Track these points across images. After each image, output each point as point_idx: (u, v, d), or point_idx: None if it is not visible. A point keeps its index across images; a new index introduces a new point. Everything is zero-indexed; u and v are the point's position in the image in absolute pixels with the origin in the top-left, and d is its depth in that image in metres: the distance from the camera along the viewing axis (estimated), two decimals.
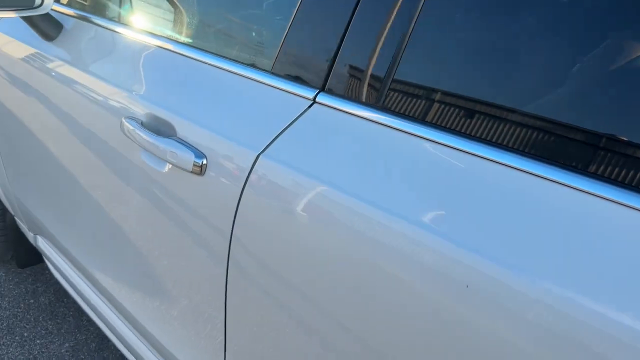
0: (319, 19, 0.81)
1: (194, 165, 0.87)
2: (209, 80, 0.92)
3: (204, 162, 0.86)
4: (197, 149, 0.88)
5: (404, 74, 0.72)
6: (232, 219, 0.83)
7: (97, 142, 1.11)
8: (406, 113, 0.71)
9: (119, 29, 1.14)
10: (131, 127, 0.97)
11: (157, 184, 0.96)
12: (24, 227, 1.78)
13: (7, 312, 1.93)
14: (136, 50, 1.08)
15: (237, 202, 0.82)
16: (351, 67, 0.77)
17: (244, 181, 0.81)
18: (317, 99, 0.79)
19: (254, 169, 0.80)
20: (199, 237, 0.91)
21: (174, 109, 0.93)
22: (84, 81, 1.13)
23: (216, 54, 0.95)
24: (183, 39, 1.05)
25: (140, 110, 0.99)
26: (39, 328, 1.87)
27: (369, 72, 0.75)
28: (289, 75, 0.84)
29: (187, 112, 0.91)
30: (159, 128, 0.95)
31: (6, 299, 1.99)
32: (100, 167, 1.14)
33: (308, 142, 0.77)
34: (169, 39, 1.04)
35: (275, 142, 0.79)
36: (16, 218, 1.82)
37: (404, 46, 0.71)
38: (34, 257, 1.97)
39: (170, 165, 0.92)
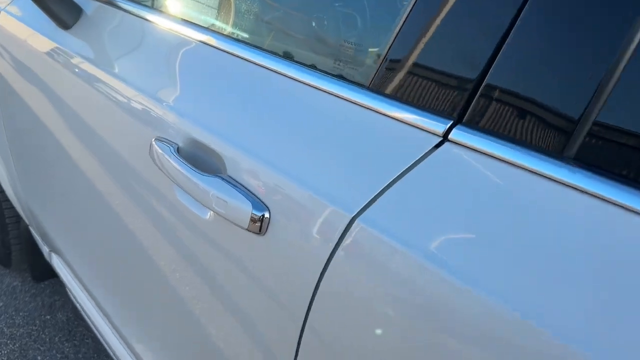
0: (457, 14, 0.51)
1: (251, 219, 0.59)
2: (275, 94, 0.64)
3: (266, 215, 0.58)
4: (255, 195, 0.60)
5: (613, 114, 0.42)
6: (307, 304, 0.55)
7: (119, 162, 0.84)
8: (611, 170, 0.41)
9: (152, 16, 0.86)
10: (161, 153, 0.69)
11: (197, 233, 0.69)
12: (38, 240, 1.54)
13: (21, 330, 1.71)
14: (174, 46, 0.81)
15: (315, 283, 0.54)
16: (514, 92, 0.47)
17: (327, 256, 0.53)
18: (450, 136, 0.50)
19: (345, 237, 0.52)
20: (254, 316, 0.63)
21: (223, 134, 0.64)
22: (105, 83, 0.86)
23: (285, 57, 0.66)
24: (238, 34, 0.77)
25: (176, 129, 0.71)
26: (55, 351, 1.64)
27: (550, 105, 0.45)
28: (399, 94, 0.55)
29: (242, 139, 0.63)
30: (202, 159, 0.67)
31: (21, 313, 1.77)
32: (121, 193, 0.87)
33: (434, 203, 0.48)
34: (219, 34, 0.76)
35: (381, 199, 0.51)
36: (31, 228, 1.59)
37: (617, 74, 0.41)
38: (51, 271, 1.74)
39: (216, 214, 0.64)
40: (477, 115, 0.49)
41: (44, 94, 1.07)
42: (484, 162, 0.48)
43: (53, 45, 1.00)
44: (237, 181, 0.62)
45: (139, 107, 0.78)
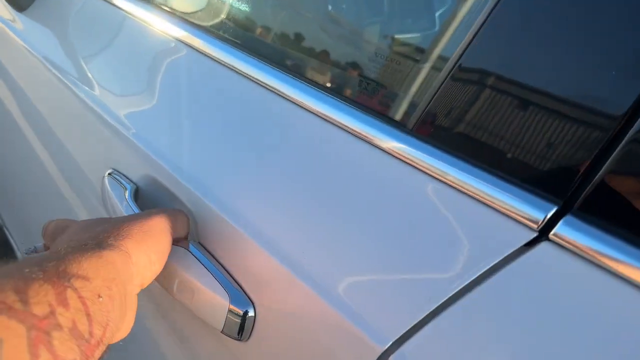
0: (579, 29, 0.30)
1: (229, 316, 0.39)
2: (285, 130, 0.43)
3: (250, 314, 0.39)
4: (236, 282, 0.40)
5: None
6: None
7: (81, 181, 0.65)
8: None
9: (127, 5, 0.65)
10: (112, 195, 0.49)
11: (161, 313, 0.49)
12: (13, 244, 1.36)
13: None
14: (152, 46, 0.59)
15: None
16: None
17: None
18: (552, 232, 0.30)
19: None
20: None
21: (201, 181, 0.44)
22: (58, 82, 0.66)
23: (296, 76, 0.45)
24: (243, 40, 0.53)
25: (138, 163, 0.51)
26: None
27: None
28: (463, 151, 0.34)
29: (227, 193, 0.42)
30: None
31: None
32: (84, 214, 0.67)
33: (518, 342, 0.28)
34: (218, 39, 0.54)
35: (430, 327, 0.31)
36: (5, 229, 1.40)
37: None
38: None
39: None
40: (601, 200, 0.29)
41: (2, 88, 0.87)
42: (608, 283, 0.28)
43: (5, 30, 0.79)
44: (211, 253, 0.42)
45: (93, 120, 0.58)
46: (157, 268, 0.36)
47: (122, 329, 0.33)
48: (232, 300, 0.39)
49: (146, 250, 0.34)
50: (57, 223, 0.40)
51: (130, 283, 0.33)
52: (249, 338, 0.39)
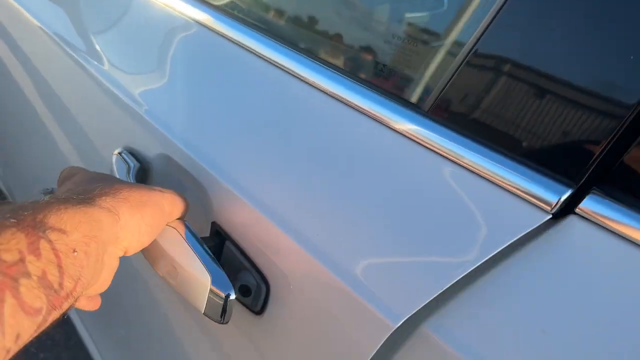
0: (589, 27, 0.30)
1: (210, 299, 0.35)
2: (302, 113, 0.41)
3: (231, 297, 0.35)
4: (249, 260, 0.37)
5: None
6: None
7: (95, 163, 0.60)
8: None
9: None
10: (116, 175, 0.47)
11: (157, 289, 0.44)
12: None
13: None
14: (165, 24, 0.56)
15: None
16: None
17: None
18: (574, 211, 0.29)
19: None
20: None
21: (215, 159, 0.41)
22: (70, 62, 0.61)
23: (313, 57, 0.43)
24: (260, 22, 0.50)
25: (150, 140, 0.47)
26: (44, 337, 1.25)
27: None
28: (478, 132, 0.33)
29: (242, 171, 0.40)
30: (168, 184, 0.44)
31: None
32: None
33: (529, 333, 0.26)
34: (227, 16, 0.51)
35: (451, 303, 0.29)
36: None
37: None
38: None
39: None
40: (625, 175, 0.29)
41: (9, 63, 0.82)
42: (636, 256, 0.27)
43: (17, 8, 0.75)
44: (225, 231, 0.38)
45: (105, 97, 0.54)
46: (144, 240, 0.35)
47: (96, 285, 0.32)
48: (214, 281, 0.35)
49: (138, 219, 0.34)
50: (70, 170, 0.41)
51: (113, 245, 0.32)
52: (263, 313, 0.36)
